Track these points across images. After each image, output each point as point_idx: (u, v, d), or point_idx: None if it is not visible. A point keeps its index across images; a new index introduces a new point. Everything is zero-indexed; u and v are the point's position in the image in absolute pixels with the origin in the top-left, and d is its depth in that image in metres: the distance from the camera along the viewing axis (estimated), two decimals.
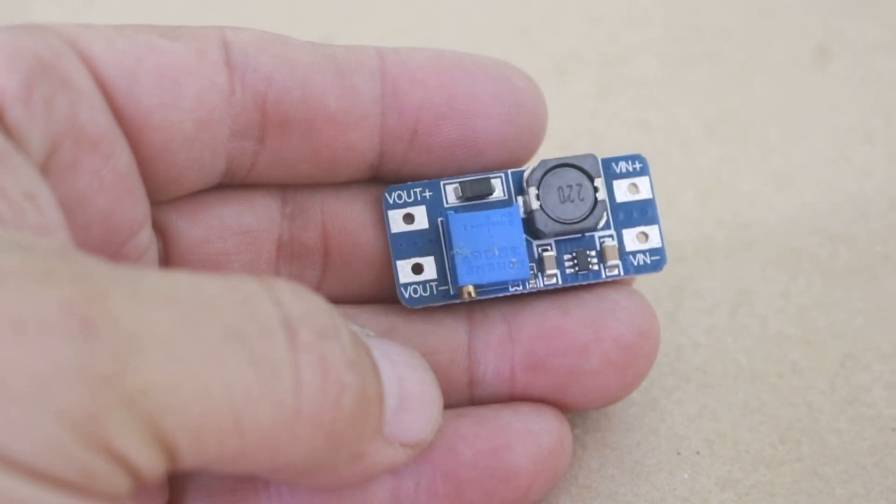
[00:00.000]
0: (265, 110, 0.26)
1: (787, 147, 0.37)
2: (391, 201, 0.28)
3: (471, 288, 0.28)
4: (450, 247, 0.28)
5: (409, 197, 0.28)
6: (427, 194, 0.29)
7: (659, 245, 0.29)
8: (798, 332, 0.32)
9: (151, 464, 0.21)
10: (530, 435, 0.27)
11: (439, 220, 0.28)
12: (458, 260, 0.28)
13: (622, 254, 0.29)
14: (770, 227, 0.34)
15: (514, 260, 0.28)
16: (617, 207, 0.29)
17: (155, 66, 0.25)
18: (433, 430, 0.26)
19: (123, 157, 0.25)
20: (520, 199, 0.28)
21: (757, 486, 0.29)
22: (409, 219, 0.28)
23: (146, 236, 0.26)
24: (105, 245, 0.25)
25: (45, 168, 0.24)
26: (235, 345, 0.21)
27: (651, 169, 0.30)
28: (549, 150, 0.37)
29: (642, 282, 0.33)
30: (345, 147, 0.27)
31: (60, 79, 0.24)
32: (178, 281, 0.22)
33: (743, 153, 0.37)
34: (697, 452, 0.30)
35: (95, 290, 0.20)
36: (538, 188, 0.28)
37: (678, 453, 0.30)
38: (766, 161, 0.36)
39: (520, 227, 0.28)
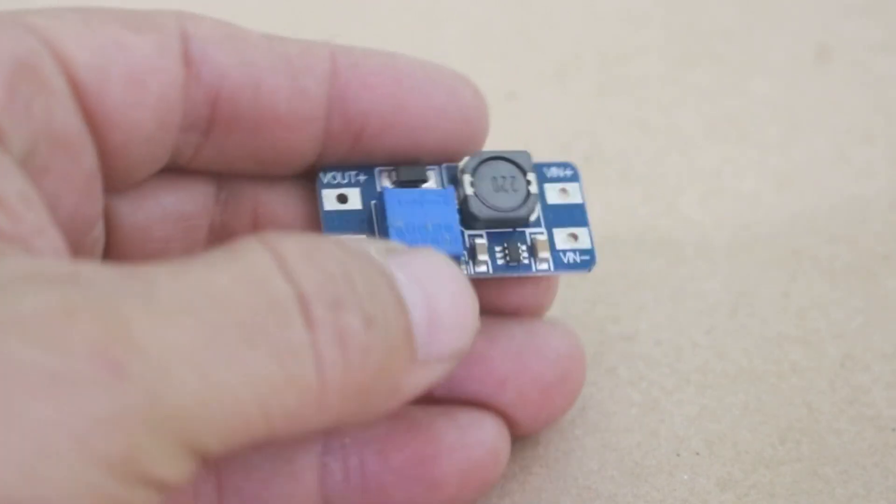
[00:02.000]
0: (216, 106, 0.26)
1: (787, 147, 0.37)
2: (325, 181, 0.28)
3: None
4: (383, 220, 0.28)
5: (343, 179, 0.28)
6: (361, 178, 0.28)
7: (588, 246, 0.29)
8: (798, 332, 0.32)
9: (183, 473, 0.21)
10: (462, 448, 0.27)
11: (372, 203, 0.28)
12: (391, 231, 0.27)
13: (552, 249, 0.29)
14: (770, 228, 0.35)
15: (447, 236, 0.27)
16: (547, 208, 0.29)
17: (124, 65, 0.24)
18: (470, 336, 0.25)
19: (89, 156, 0.25)
20: (453, 188, 0.29)
21: (757, 487, 0.29)
22: (342, 199, 0.28)
23: (99, 228, 0.27)
24: (68, 242, 0.25)
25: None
26: (256, 341, 0.21)
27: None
28: (549, 151, 0.37)
29: (643, 282, 0.33)
30: (287, 146, 0.27)
31: (39, 81, 0.24)
32: (190, 282, 0.22)
33: (743, 153, 0.37)
34: (697, 453, 0.30)
35: (118, 323, 0.20)
36: (472, 176, 0.28)
37: (678, 454, 0.30)
38: (766, 161, 0.36)
39: (454, 207, 0.28)
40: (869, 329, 0.32)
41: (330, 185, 0.28)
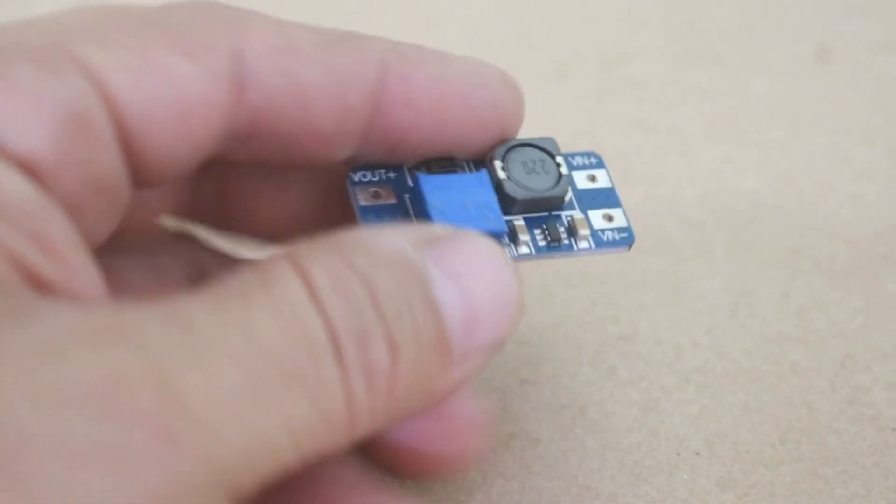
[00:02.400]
0: (258, 122, 0.26)
1: (787, 147, 0.37)
2: (356, 179, 0.28)
3: None
4: (423, 205, 0.27)
5: (374, 176, 0.28)
6: (392, 175, 0.28)
7: (625, 224, 0.29)
8: (798, 332, 0.32)
9: None
10: None
11: (407, 196, 0.28)
12: (433, 214, 0.27)
13: (591, 228, 0.29)
14: (770, 227, 0.35)
15: (489, 214, 0.27)
16: (579, 193, 0.29)
17: (173, 103, 0.24)
18: (513, 323, 0.25)
19: (125, 194, 0.25)
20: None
21: (757, 487, 0.29)
22: (376, 195, 0.28)
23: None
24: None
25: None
26: (292, 383, 0.22)
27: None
28: None
29: (643, 282, 0.33)
30: (321, 154, 0.27)
31: (89, 131, 0.23)
32: (229, 324, 0.22)
33: (743, 153, 0.37)
34: (697, 453, 0.30)
35: (169, 388, 0.21)
36: (503, 161, 0.28)
37: (678, 454, 0.30)
38: (766, 161, 0.36)
39: (490, 188, 0.28)
40: (869, 329, 0.32)
41: (362, 183, 0.28)
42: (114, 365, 0.20)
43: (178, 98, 0.24)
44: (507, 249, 0.28)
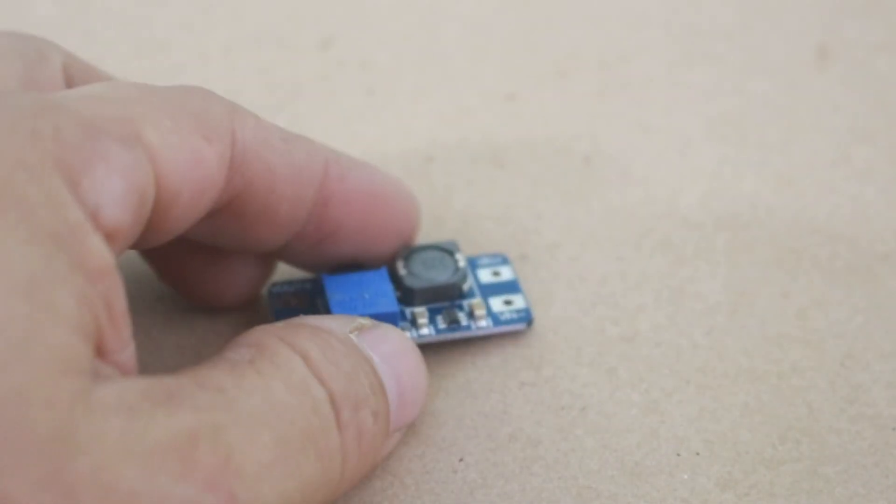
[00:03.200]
0: (231, 203, 0.28)
1: (787, 147, 0.37)
2: (275, 292, 0.32)
3: None
4: (325, 299, 0.31)
5: (290, 287, 0.32)
6: (307, 285, 0.32)
7: (523, 306, 0.32)
8: (798, 332, 0.32)
9: None
10: None
11: (318, 300, 0.32)
12: (332, 304, 0.30)
13: (489, 312, 0.32)
14: (770, 227, 0.35)
15: (383, 300, 0.31)
16: (482, 286, 0.32)
17: (197, 183, 0.26)
18: (422, 404, 0.29)
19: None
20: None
21: (757, 487, 0.29)
22: (288, 303, 0.32)
23: None
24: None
25: None
26: (307, 448, 0.25)
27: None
28: (549, 152, 0.37)
29: (643, 283, 0.33)
30: (268, 239, 0.30)
31: (147, 204, 0.25)
32: (253, 390, 0.25)
33: (743, 153, 0.37)
34: (697, 453, 0.30)
35: (227, 450, 0.24)
36: (405, 261, 0.32)
37: (678, 454, 0.30)
38: (766, 161, 0.36)
39: (387, 280, 0.31)
40: (869, 329, 0.32)
41: (280, 294, 0.32)
42: (182, 424, 0.23)
43: (201, 178, 0.26)
44: (408, 333, 0.31)
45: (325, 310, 0.31)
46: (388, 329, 0.29)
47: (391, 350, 0.28)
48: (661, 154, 0.37)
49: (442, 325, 0.32)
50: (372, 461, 0.27)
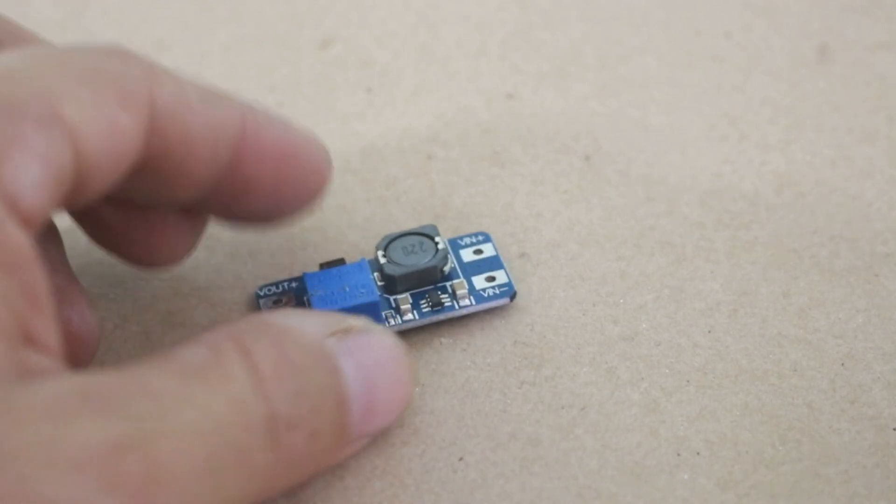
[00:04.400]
0: (148, 164, 0.28)
1: (787, 147, 0.37)
2: (262, 294, 0.33)
3: None
4: (307, 296, 0.32)
5: (277, 288, 0.33)
6: (293, 284, 0.33)
7: (506, 281, 0.33)
8: (798, 332, 0.32)
9: None
10: None
11: (305, 298, 0.32)
12: (313, 300, 0.31)
13: (472, 290, 0.32)
14: (770, 227, 0.35)
15: (363, 290, 0.31)
16: (464, 265, 0.33)
17: (114, 150, 0.26)
18: (400, 412, 0.29)
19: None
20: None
21: (757, 487, 0.29)
22: (278, 303, 0.33)
23: None
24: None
25: None
26: (237, 464, 0.25)
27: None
28: (549, 153, 0.37)
29: (643, 282, 0.33)
30: (185, 196, 0.29)
31: (65, 182, 0.25)
32: (193, 401, 0.25)
33: (743, 153, 0.37)
34: (698, 453, 0.30)
35: (155, 462, 0.24)
36: (384, 251, 0.33)
37: (678, 454, 0.30)
38: (766, 161, 0.36)
39: (367, 271, 0.32)
40: (869, 329, 0.32)
41: (266, 296, 0.33)
42: (110, 433, 0.23)
43: (119, 147, 0.26)
44: (392, 320, 0.32)
45: (309, 306, 0.32)
46: (376, 336, 0.29)
47: (371, 359, 0.28)
48: (661, 153, 0.37)
49: (426, 308, 0.32)
50: (310, 472, 0.28)
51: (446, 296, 0.32)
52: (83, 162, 0.25)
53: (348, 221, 0.35)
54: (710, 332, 0.32)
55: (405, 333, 0.32)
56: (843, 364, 0.32)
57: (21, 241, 0.24)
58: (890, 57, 0.39)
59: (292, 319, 0.28)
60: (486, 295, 0.32)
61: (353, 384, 0.28)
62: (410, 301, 0.32)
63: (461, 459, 0.30)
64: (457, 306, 0.32)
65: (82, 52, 0.27)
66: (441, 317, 0.32)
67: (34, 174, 0.24)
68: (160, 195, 0.29)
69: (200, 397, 0.25)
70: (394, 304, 0.32)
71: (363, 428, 0.28)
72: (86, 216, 0.31)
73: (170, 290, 0.34)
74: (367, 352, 0.28)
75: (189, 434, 0.24)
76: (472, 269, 0.33)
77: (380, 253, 0.33)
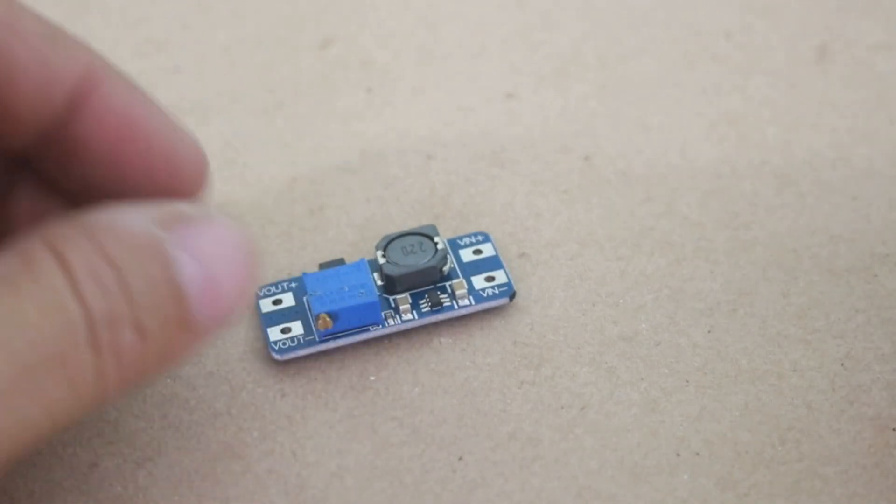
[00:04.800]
0: None
1: (787, 147, 0.37)
2: (261, 294, 0.33)
3: (326, 316, 0.31)
4: (306, 295, 0.32)
5: (276, 288, 0.33)
6: (293, 284, 0.33)
7: (505, 280, 0.33)
8: (798, 332, 0.32)
9: None
10: None
11: (304, 297, 0.32)
12: (312, 300, 0.31)
13: (471, 290, 0.32)
14: (770, 227, 0.35)
15: (362, 290, 0.32)
16: (464, 265, 0.33)
17: None
18: (246, 295, 0.28)
19: None
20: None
21: (757, 487, 0.29)
22: (277, 302, 0.33)
23: None
24: None
25: None
26: (54, 370, 0.25)
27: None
28: (550, 153, 0.37)
29: (642, 282, 0.33)
30: (7, 126, 0.28)
31: None
32: (8, 318, 0.24)
33: (743, 153, 0.37)
34: (697, 453, 0.30)
35: None
36: (384, 251, 0.33)
37: (678, 454, 0.30)
38: (766, 161, 0.36)
39: (366, 272, 0.32)
40: (869, 329, 0.32)
41: (265, 296, 0.33)
42: None
43: None
44: (391, 320, 0.32)
45: (309, 307, 0.32)
46: (209, 223, 0.28)
47: (207, 248, 0.27)
48: (661, 153, 0.37)
49: (425, 308, 0.32)
50: (153, 369, 0.27)
51: (446, 296, 0.32)
52: None
53: (348, 221, 0.35)
54: (709, 332, 0.32)
55: (405, 333, 0.32)
56: (842, 364, 0.32)
57: None
58: (890, 57, 0.39)
59: (114, 215, 0.27)
60: (485, 295, 0.32)
61: (189, 273, 0.27)
62: (410, 301, 0.32)
63: (461, 459, 0.30)
64: (456, 306, 0.32)
65: None
66: (440, 317, 0.32)
67: None
68: None
69: (10, 309, 0.24)
70: (393, 304, 0.32)
71: (208, 315, 0.27)
72: None
73: None
74: (203, 239, 0.27)
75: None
76: (471, 269, 0.33)
77: (379, 253, 0.33)
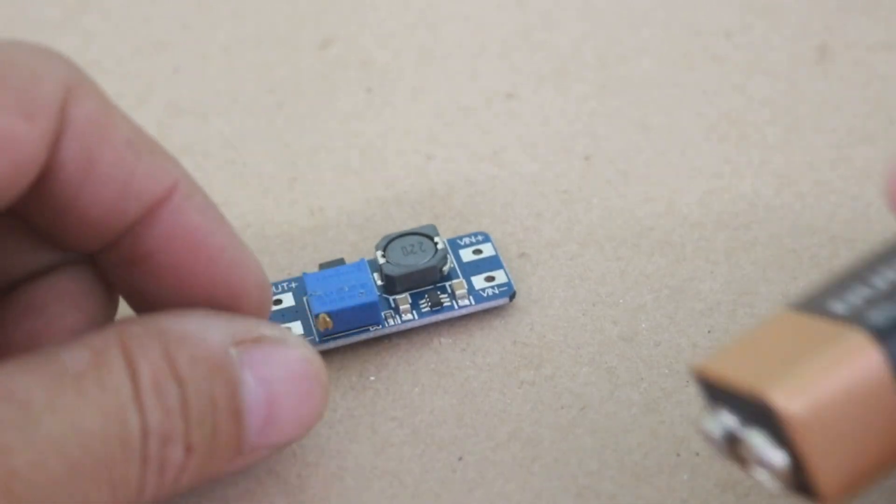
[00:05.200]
0: (42, 181, 0.26)
1: (787, 147, 0.37)
2: None
3: (326, 316, 0.31)
4: (306, 295, 0.32)
5: (276, 288, 0.33)
6: (293, 284, 0.33)
7: (505, 280, 0.33)
8: None
9: None
10: None
11: (304, 297, 0.33)
12: (312, 300, 0.31)
13: (471, 290, 0.33)
14: (770, 227, 0.35)
15: (362, 290, 0.32)
16: (464, 265, 0.33)
17: (8, 161, 0.25)
18: (307, 428, 0.28)
19: None
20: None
21: (757, 488, 0.29)
22: (277, 302, 0.33)
23: None
24: None
25: None
26: (102, 475, 0.25)
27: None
28: (550, 153, 0.37)
29: (643, 282, 0.33)
30: (67, 235, 0.27)
31: None
32: (62, 413, 0.24)
33: (743, 153, 0.37)
34: (697, 454, 0.30)
35: (7, 465, 0.23)
36: (384, 251, 0.33)
37: (678, 454, 0.30)
38: (766, 161, 0.36)
39: (366, 271, 0.32)
40: None
41: None
42: None
43: (15, 158, 0.25)
44: (391, 320, 0.32)
45: (309, 307, 0.32)
46: (286, 348, 0.28)
47: (276, 374, 0.27)
48: (661, 154, 0.37)
49: (425, 308, 0.32)
50: (195, 482, 0.27)
51: (446, 296, 0.32)
52: None
53: (348, 221, 0.35)
54: (709, 332, 0.32)
55: (405, 333, 0.32)
56: None
57: None
58: (890, 57, 0.39)
59: (193, 325, 0.27)
60: (485, 295, 0.32)
61: (251, 397, 0.27)
62: (410, 301, 0.32)
63: (460, 459, 0.30)
64: (456, 306, 0.32)
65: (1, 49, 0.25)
66: (440, 317, 0.32)
67: None
68: (50, 226, 0.27)
69: (70, 407, 0.25)
70: (393, 305, 0.32)
71: (262, 440, 0.28)
72: None
73: None
74: (272, 365, 0.27)
75: (51, 447, 0.24)
76: (471, 269, 0.33)
77: (379, 253, 0.33)
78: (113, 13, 0.42)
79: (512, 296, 0.33)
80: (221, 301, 0.28)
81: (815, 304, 0.24)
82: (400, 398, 0.31)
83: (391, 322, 0.32)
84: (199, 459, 0.26)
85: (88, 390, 0.25)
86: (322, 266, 0.33)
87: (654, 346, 0.32)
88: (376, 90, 0.39)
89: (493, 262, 0.33)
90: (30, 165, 0.25)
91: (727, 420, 0.24)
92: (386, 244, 0.33)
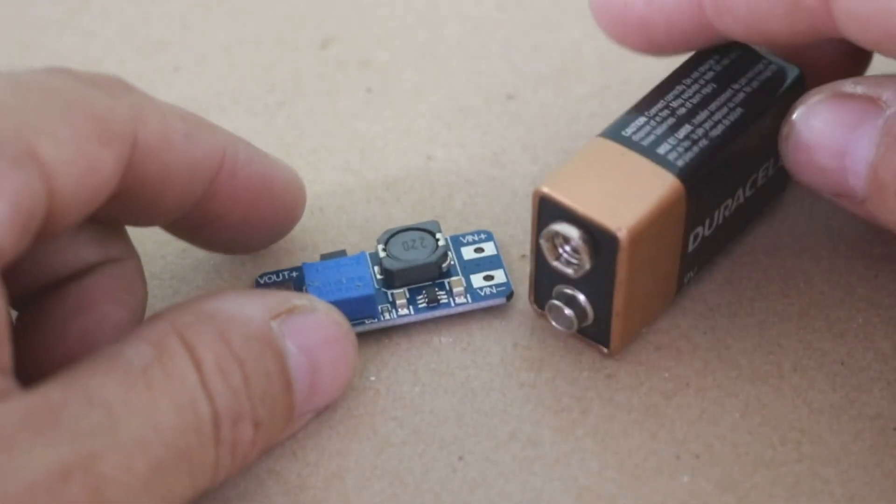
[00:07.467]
0: (118, 194, 0.28)
1: None
2: (262, 282, 0.33)
3: None
4: (303, 286, 0.32)
5: (277, 277, 0.33)
6: (293, 274, 0.33)
7: (504, 280, 0.33)
8: (798, 332, 0.32)
9: None
10: None
11: (303, 287, 0.32)
12: (310, 290, 0.32)
13: (469, 288, 0.33)
14: (770, 227, 0.34)
15: (359, 283, 0.32)
16: (465, 262, 0.33)
17: (91, 185, 0.26)
18: (343, 390, 0.30)
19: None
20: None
21: (757, 488, 0.29)
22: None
23: None
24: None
25: None
26: (182, 465, 0.26)
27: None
28: (550, 154, 0.37)
29: None
30: (152, 222, 0.30)
31: (34, 221, 0.26)
32: (138, 410, 0.25)
33: None
34: (697, 456, 0.30)
35: (95, 471, 0.24)
36: (384, 245, 0.33)
37: (678, 457, 0.30)
38: None
39: (365, 264, 0.32)
40: (869, 329, 0.32)
41: (266, 284, 0.33)
42: (55, 456, 0.24)
43: (95, 182, 0.26)
44: (387, 314, 0.32)
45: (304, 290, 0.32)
46: (315, 316, 0.29)
47: (314, 339, 0.29)
48: None
49: (422, 304, 0.32)
50: (255, 457, 0.28)
51: (443, 293, 0.32)
52: (57, 199, 0.26)
53: (348, 221, 0.35)
54: (709, 332, 0.32)
55: (404, 329, 0.32)
56: (843, 364, 0.32)
57: None
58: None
59: (234, 305, 0.28)
60: (482, 294, 0.32)
61: (296, 366, 0.28)
62: (407, 296, 0.32)
63: (461, 459, 0.30)
64: (453, 304, 0.32)
65: (71, 83, 0.27)
66: (437, 313, 0.32)
67: (2, 215, 0.24)
68: (128, 218, 0.30)
69: (145, 403, 0.25)
70: (390, 299, 0.32)
71: (308, 405, 0.29)
72: None
73: (170, 289, 0.34)
74: (310, 332, 0.29)
75: (135, 446, 0.25)
76: (471, 267, 0.33)
77: (380, 247, 0.33)
78: (113, 13, 0.42)
79: (510, 296, 0.32)
80: (282, 222, 0.32)
81: (623, 137, 0.31)
82: (400, 398, 0.31)
83: (387, 316, 0.32)
84: (265, 433, 0.28)
85: (157, 384, 0.26)
86: (324, 256, 0.33)
87: (655, 348, 0.32)
88: (376, 90, 0.39)
89: (494, 262, 0.33)
90: (107, 187, 0.27)
91: (559, 227, 0.30)
92: (388, 238, 0.33)
